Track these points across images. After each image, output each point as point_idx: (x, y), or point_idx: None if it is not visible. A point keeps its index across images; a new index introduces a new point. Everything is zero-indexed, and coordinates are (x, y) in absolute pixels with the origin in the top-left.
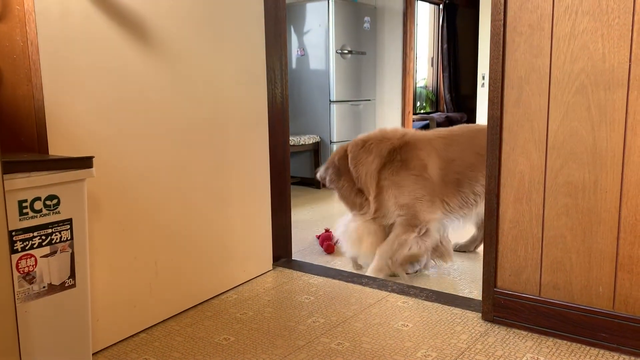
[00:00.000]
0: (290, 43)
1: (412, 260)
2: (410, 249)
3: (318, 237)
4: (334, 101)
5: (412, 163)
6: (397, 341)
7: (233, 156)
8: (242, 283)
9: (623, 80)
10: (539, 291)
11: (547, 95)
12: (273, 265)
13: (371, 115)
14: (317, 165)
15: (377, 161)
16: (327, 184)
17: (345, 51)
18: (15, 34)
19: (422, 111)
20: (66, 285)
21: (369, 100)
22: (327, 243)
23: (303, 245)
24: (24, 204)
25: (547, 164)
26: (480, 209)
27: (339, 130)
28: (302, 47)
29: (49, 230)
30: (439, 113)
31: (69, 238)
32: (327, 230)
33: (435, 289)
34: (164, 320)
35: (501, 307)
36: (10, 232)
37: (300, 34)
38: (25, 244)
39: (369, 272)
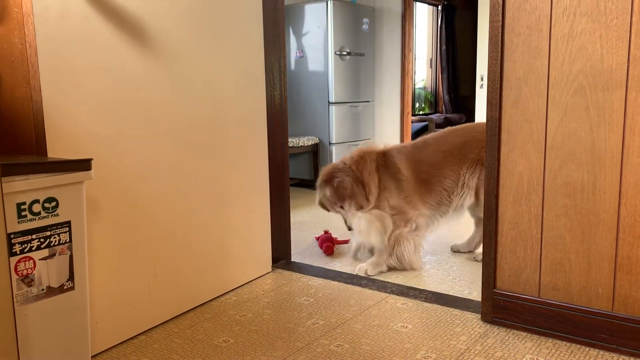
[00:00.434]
0: (289, 44)
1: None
2: (405, 242)
3: (317, 238)
4: (332, 103)
5: (390, 169)
6: (396, 342)
7: (232, 157)
8: (242, 285)
9: (621, 81)
10: (539, 292)
11: (545, 96)
12: (272, 266)
13: (370, 117)
14: (316, 166)
15: (373, 164)
16: (337, 199)
17: (344, 52)
18: (13, 36)
19: (421, 112)
20: (65, 287)
21: (368, 101)
22: (327, 245)
23: (302, 247)
24: (23, 207)
25: (545, 164)
26: (457, 206)
27: (338, 131)
28: (300, 48)
29: (48, 233)
30: (437, 114)
31: (67, 240)
32: (326, 232)
33: (435, 290)
34: (163, 322)
35: (500, 308)
36: (8, 235)
37: (298, 36)
38: (23, 246)
39: (367, 264)
